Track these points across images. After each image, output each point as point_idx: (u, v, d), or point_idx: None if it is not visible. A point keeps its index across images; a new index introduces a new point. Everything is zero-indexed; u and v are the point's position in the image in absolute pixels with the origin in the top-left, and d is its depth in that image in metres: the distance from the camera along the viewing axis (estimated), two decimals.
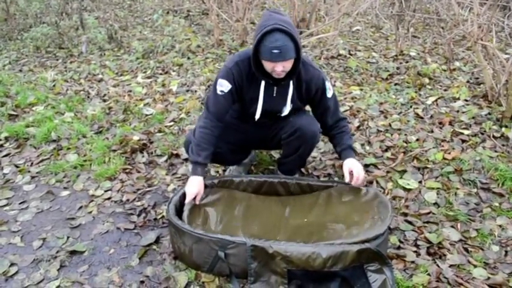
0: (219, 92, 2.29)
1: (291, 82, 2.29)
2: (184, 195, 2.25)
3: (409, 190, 2.63)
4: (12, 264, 2.14)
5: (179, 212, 2.19)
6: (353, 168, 2.30)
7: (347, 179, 2.32)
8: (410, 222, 2.37)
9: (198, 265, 2.04)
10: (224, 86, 2.27)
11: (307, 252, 1.89)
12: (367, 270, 1.93)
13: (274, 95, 2.33)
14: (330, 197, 2.37)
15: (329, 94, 2.37)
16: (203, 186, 2.28)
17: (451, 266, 2.08)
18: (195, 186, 2.23)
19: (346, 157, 2.37)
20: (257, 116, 2.37)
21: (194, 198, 2.23)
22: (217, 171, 2.84)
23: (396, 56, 4.93)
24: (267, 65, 2.13)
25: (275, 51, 2.03)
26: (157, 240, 2.27)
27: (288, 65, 2.12)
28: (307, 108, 2.54)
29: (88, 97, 4.16)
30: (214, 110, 2.31)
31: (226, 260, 1.95)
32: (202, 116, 2.36)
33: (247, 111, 2.42)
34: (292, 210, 2.36)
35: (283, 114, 2.40)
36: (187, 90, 4.12)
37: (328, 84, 2.36)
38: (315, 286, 1.93)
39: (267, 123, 2.46)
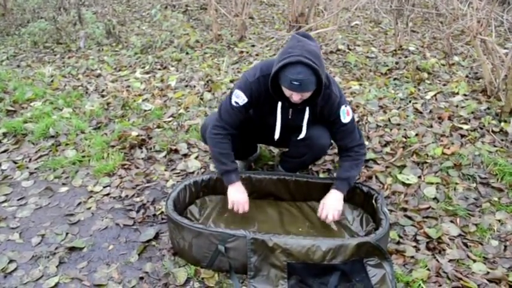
0: (233, 103, 2.22)
1: (307, 107, 2.23)
2: (184, 190, 2.29)
3: (408, 185, 2.63)
4: (11, 261, 2.14)
5: (178, 208, 2.20)
6: (325, 206, 2.21)
7: (318, 213, 2.25)
8: (409, 217, 2.37)
9: (197, 260, 2.04)
10: (240, 98, 2.21)
11: (307, 244, 1.90)
12: (366, 264, 1.94)
13: (290, 116, 2.28)
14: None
15: (345, 120, 2.23)
16: (246, 192, 2.27)
17: (450, 260, 2.08)
18: (240, 193, 2.24)
19: (332, 188, 2.26)
20: (276, 136, 2.31)
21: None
22: None
23: (395, 50, 4.92)
24: (285, 91, 2.07)
25: (295, 83, 1.96)
26: (156, 236, 2.27)
27: (306, 95, 2.06)
28: None
29: (86, 93, 4.14)
30: (227, 119, 2.26)
31: (226, 254, 1.95)
32: (215, 122, 2.30)
33: (262, 123, 2.39)
34: (288, 218, 2.38)
35: (299, 138, 2.33)
36: (186, 86, 4.11)
37: (345, 109, 2.23)
38: (314, 280, 1.93)
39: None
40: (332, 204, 2.20)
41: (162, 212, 2.46)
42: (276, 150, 2.97)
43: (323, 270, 1.93)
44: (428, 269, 2.03)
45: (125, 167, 2.90)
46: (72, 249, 2.21)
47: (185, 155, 2.99)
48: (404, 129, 3.20)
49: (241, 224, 2.27)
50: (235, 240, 1.94)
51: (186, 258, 2.09)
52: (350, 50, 4.97)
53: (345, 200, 2.32)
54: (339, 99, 2.22)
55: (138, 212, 2.48)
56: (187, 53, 5.02)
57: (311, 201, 2.46)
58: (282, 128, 2.30)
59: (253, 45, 5.18)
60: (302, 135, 2.30)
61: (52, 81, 4.44)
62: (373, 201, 2.24)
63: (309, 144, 2.35)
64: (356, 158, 2.28)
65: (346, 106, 2.24)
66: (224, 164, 2.24)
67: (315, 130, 2.33)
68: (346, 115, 2.23)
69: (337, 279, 1.92)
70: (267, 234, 1.94)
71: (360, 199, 2.35)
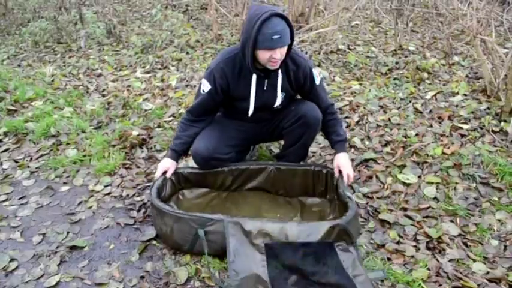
0: (201, 91, 2.37)
1: (280, 72, 2.29)
2: (169, 180, 2.43)
3: (408, 185, 2.63)
4: (12, 260, 2.14)
5: (162, 197, 2.33)
6: (343, 167, 2.36)
7: (336, 175, 2.39)
8: (409, 217, 2.38)
9: (179, 245, 2.11)
10: (205, 86, 2.34)
11: (281, 225, 1.99)
12: (337, 248, 1.99)
13: (265, 87, 2.33)
14: (303, 204, 2.50)
15: (317, 81, 2.40)
16: (174, 166, 2.43)
17: (450, 260, 2.09)
18: (166, 163, 2.41)
19: (339, 151, 2.42)
20: (250, 111, 2.39)
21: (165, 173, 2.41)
22: None
23: (395, 50, 4.92)
24: (265, 55, 2.11)
25: (275, 36, 2.03)
26: (157, 236, 2.27)
27: (283, 51, 2.13)
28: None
29: (87, 92, 4.15)
30: (195, 106, 2.42)
31: (206, 238, 2.01)
32: (188, 109, 2.48)
33: (240, 109, 2.43)
34: (267, 205, 2.47)
35: (275, 105, 2.41)
36: (187, 85, 4.11)
37: (315, 72, 2.39)
38: (292, 261, 1.96)
39: (266, 117, 2.48)
40: (348, 164, 2.38)
41: None
42: (276, 150, 2.97)
43: (299, 251, 1.97)
44: (428, 269, 2.03)
45: (126, 166, 2.91)
46: (73, 248, 2.22)
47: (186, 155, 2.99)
48: (405, 129, 3.21)
49: (220, 211, 2.31)
50: (214, 224, 2.01)
51: (168, 243, 2.16)
52: (350, 49, 4.97)
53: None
54: (308, 62, 2.38)
55: (139, 211, 2.49)
56: (187, 53, 5.02)
57: (291, 197, 2.54)
58: (259, 107, 2.39)
59: None
60: (278, 102, 2.40)
61: (53, 80, 4.44)
62: (336, 186, 2.36)
63: (303, 123, 2.40)
64: (337, 118, 2.49)
65: (314, 69, 2.40)
66: (173, 143, 2.44)
67: (304, 106, 2.42)
68: (317, 76, 2.40)
69: (312, 260, 1.96)
70: (243, 218, 2.02)
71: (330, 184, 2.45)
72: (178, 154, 2.44)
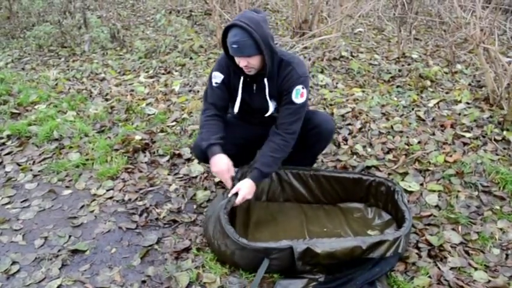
0: (214, 84, 2.37)
1: (265, 79, 2.26)
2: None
3: (410, 192, 2.63)
4: (13, 263, 2.15)
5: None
6: (240, 190, 2.20)
7: (232, 193, 2.22)
8: (411, 225, 2.37)
9: (239, 265, 2.07)
10: (217, 77, 2.35)
11: (350, 245, 1.97)
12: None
13: (254, 91, 2.35)
14: (342, 211, 2.49)
15: (295, 99, 2.22)
16: (231, 162, 2.28)
17: (452, 268, 2.09)
18: (221, 163, 2.26)
19: (249, 176, 2.26)
20: (235, 109, 2.38)
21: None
22: None
23: (398, 58, 4.93)
24: (236, 60, 2.19)
25: (234, 45, 2.09)
26: (158, 241, 2.28)
27: (252, 61, 2.14)
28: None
29: (90, 96, 4.16)
30: (213, 100, 2.39)
31: (271, 262, 1.98)
32: (203, 109, 2.44)
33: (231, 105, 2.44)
34: (310, 218, 2.44)
35: (267, 114, 2.38)
36: (190, 91, 4.12)
37: (299, 89, 2.22)
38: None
39: (271, 122, 2.44)
40: (247, 191, 2.21)
41: (164, 216, 2.46)
42: None
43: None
44: (429, 277, 2.03)
45: (128, 170, 2.91)
46: (75, 251, 2.22)
47: (188, 160, 3.00)
48: (407, 137, 3.21)
49: (267, 228, 2.33)
50: (280, 252, 1.97)
51: (225, 260, 2.10)
52: (353, 57, 4.99)
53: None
54: (300, 78, 2.22)
55: (141, 215, 2.49)
56: (191, 58, 5.04)
57: (331, 204, 2.54)
58: (249, 109, 2.39)
59: None
60: (270, 112, 2.37)
61: (56, 84, 4.46)
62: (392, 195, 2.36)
63: (318, 132, 2.41)
64: (281, 145, 2.25)
65: (303, 88, 2.23)
66: (208, 139, 2.29)
67: (319, 116, 2.43)
68: (299, 96, 2.22)
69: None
70: (311, 241, 1.99)
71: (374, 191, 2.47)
72: (221, 146, 2.29)
